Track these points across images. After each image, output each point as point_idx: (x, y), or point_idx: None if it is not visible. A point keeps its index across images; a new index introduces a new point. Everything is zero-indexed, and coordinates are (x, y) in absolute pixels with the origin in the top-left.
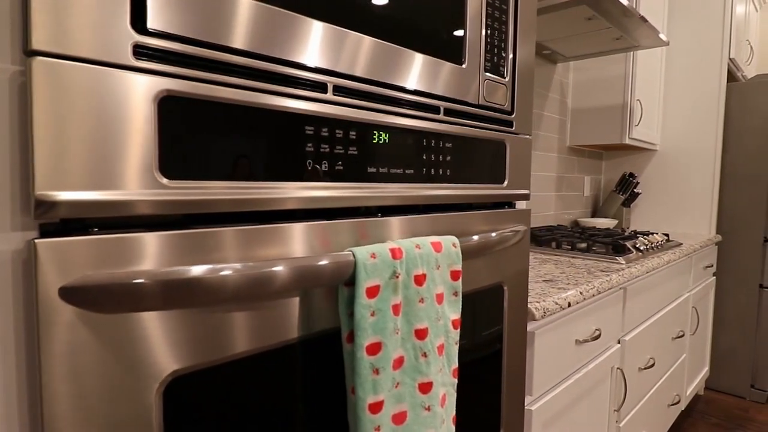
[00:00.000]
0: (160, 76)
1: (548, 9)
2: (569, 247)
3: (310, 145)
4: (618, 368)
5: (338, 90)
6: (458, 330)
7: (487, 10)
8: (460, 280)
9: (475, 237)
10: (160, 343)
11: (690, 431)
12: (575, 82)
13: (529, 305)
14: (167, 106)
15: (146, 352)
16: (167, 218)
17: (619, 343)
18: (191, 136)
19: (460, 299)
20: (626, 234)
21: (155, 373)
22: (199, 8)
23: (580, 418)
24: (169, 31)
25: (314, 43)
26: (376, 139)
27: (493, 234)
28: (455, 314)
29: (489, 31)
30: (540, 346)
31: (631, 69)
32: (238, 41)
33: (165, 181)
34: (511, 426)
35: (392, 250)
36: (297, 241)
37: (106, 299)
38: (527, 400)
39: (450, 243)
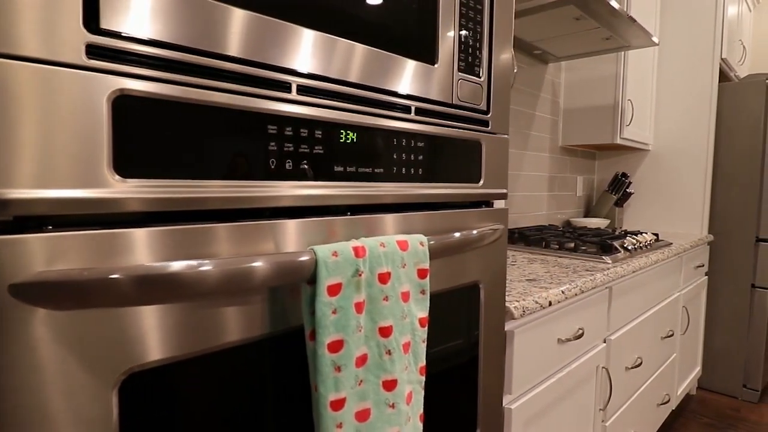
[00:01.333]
0: (114, 75)
1: (536, 9)
2: (557, 246)
3: (273, 144)
4: (603, 367)
5: (302, 90)
6: (425, 328)
7: (460, 10)
8: (428, 278)
9: (445, 236)
10: (117, 340)
11: (681, 431)
12: (567, 82)
13: (508, 304)
14: (121, 105)
15: (102, 349)
16: (122, 216)
17: (605, 342)
18: (146, 135)
19: (428, 297)
20: (615, 234)
21: (111, 370)
22: (154, 8)
23: (564, 417)
24: (123, 32)
25: (278, 43)
26: (344, 138)
27: (465, 233)
28: (422, 312)
29: (463, 31)
30: (520, 344)
31: (622, 69)
32: (195, 41)
33: (119, 179)
34: (489, 425)
35: (355, 249)
36: (261, 239)
37: (57, 296)
38: (507, 398)
39: (417, 241)
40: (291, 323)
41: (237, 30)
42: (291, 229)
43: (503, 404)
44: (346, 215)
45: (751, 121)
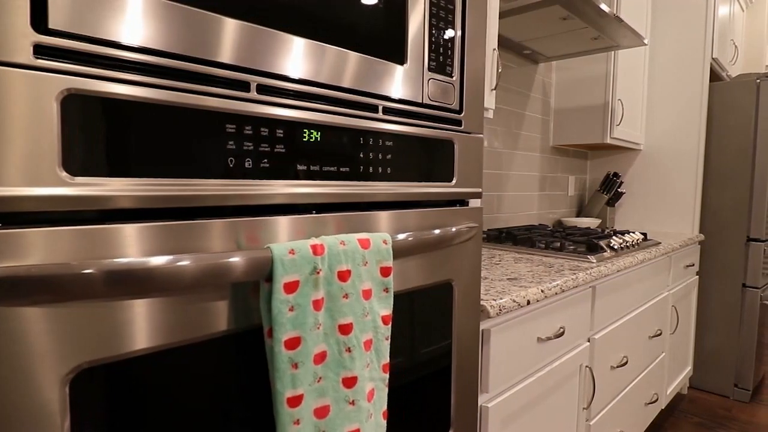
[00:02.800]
0: (62, 75)
1: (522, 9)
2: (543, 246)
3: (231, 143)
4: (587, 366)
5: (262, 89)
6: (389, 326)
7: (430, 9)
8: (391, 276)
9: (410, 234)
10: (69, 336)
11: (672, 430)
12: (558, 81)
13: (484, 303)
14: (70, 104)
15: (51, 345)
16: (73, 214)
17: (588, 341)
18: (95, 133)
19: (392, 295)
20: (603, 233)
21: (60, 366)
22: (107, 7)
23: (546, 416)
24: (72, 31)
25: (237, 43)
26: (307, 138)
27: (433, 231)
28: (385, 310)
29: (433, 31)
30: (497, 343)
31: (612, 69)
32: (149, 41)
33: (67, 177)
34: (463, 423)
35: (313, 247)
36: (219, 238)
37: (3, 293)
38: (484, 397)
39: (380, 240)
40: (254, 321)
41: (195, 29)
42: (252, 227)
43: (480, 403)
44: (311, 213)
45: (742, 121)
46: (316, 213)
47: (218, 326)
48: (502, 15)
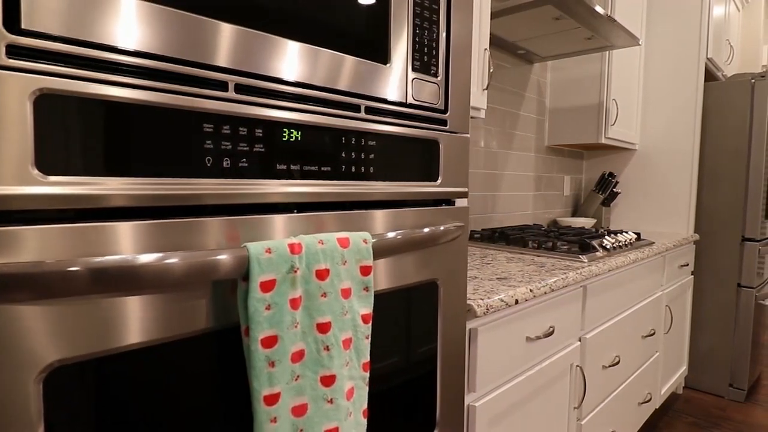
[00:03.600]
0: (36, 74)
1: (514, 9)
2: (536, 245)
3: (209, 142)
4: (577, 366)
5: (241, 89)
6: (369, 324)
7: (414, 10)
8: (371, 275)
9: (392, 233)
10: (43, 333)
11: (666, 430)
12: (553, 81)
13: (471, 302)
14: (43, 103)
15: (25, 342)
16: (49, 213)
17: (579, 340)
18: (69, 133)
19: (372, 294)
20: (596, 233)
21: (35, 363)
22: (81, 8)
23: (536, 415)
24: (45, 31)
25: (215, 43)
26: (286, 137)
27: (415, 231)
28: (366, 309)
29: (417, 31)
30: (485, 342)
31: (606, 69)
32: (124, 40)
33: (40, 176)
34: (450, 422)
35: (291, 246)
36: (201, 236)
37: None
38: (471, 396)
39: (360, 239)
40: (233, 319)
41: (172, 29)
42: (231, 226)
43: (468, 402)
44: (292, 213)
45: (736, 121)
46: (297, 212)
47: (197, 324)
48: (495, 15)
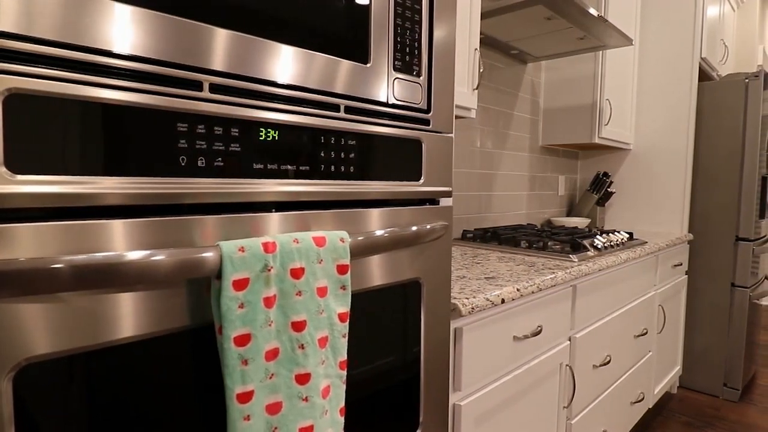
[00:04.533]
0: (4, 75)
1: (505, 9)
2: (527, 245)
3: (183, 141)
4: (567, 365)
5: (215, 88)
6: (346, 323)
7: (395, 9)
8: (348, 274)
9: (371, 233)
10: (11, 331)
11: (660, 430)
12: (547, 81)
13: (456, 301)
14: (12, 103)
15: None
16: (18, 212)
17: (569, 340)
18: (39, 132)
19: (349, 293)
20: (588, 232)
21: (4, 360)
22: (51, 6)
23: (524, 414)
24: (13, 31)
25: (189, 42)
26: (263, 137)
27: (395, 230)
28: (343, 308)
29: (399, 31)
30: (470, 341)
31: (600, 69)
32: (97, 40)
33: (7, 174)
34: (433, 421)
35: (265, 244)
36: (177, 236)
37: None
38: (457, 396)
39: (337, 238)
40: (209, 317)
41: (146, 29)
42: (208, 225)
43: (454, 401)
44: (271, 212)
45: (730, 121)
46: (275, 211)
47: (173, 323)
48: (486, 15)
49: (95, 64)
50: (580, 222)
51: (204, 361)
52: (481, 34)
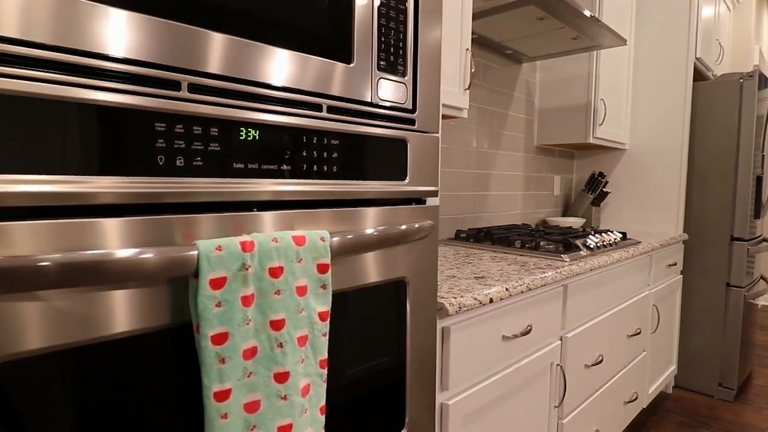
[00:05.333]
0: None
1: (498, 9)
2: (519, 245)
3: (161, 141)
4: (558, 364)
5: (194, 88)
6: (326, 322)
7: (380, 10)
8: (329, 273)
9: (352, 232)
10: None
11: (654, 429)
12: (542, 81)
13: (443, 301)
14: None
15: None
16: None
17: (561, 339)
18: (7, 131)
19: (330, 292)
20: (581, 232)
21: None
22: (21, 7)
23: (514, 414)
24: None
25: (169, 43)
26: (244, 136)
27: (378, 230)
28: (323, 306)
29: (383, 31)
30: (458, 341)
31: (594, 69)
32: (68, 41)
33: None
34: (420, 419)
35: (243, 243)
36: (157, 235)
37: None
38: (445, 395)
39: (317, 237)
40: (189, 316)
41: (124, 29)
42: (189, 224)
43: (441, 400)
44: (252, 211)
45: (725, 121)
46: (257, 210)
47: (154, 321)
48: (479, 15)
49: (71, 64)
50: (575, 222)
51: (185, 360)
52: (474, 34)
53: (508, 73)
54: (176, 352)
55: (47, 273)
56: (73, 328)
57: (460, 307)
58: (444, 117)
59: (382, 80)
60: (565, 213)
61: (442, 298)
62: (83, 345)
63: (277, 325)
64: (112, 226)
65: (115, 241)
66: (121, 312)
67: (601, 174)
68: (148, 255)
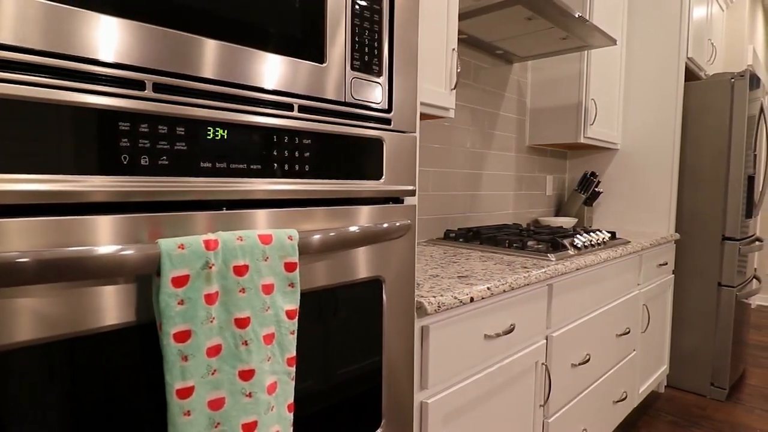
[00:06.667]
0: None
1: (485, 9)
2: (507, 244)
3: (125, 140)
4: (543, 363)
5: (159, 88)
6: (294, 320)
7: (354, 10)
8: (297, 271)
9: (322, 231)
10: None
11: (645, 429)
12: (533, 81)
13: (423, 300)
14: None
15: None
16: None
17: (546, 339)
18: None
19: (298, 290)
20: (569, 232)
21: None
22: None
23: (497, 413)
24: None
25: (132, 43)
26: (211, 136)
27: (350, 229)
28: (290, 305)
29: (357, 31)
30: (437, 340)
31: (585, 69)
32: (32, 41)
33: None
34: (396, 419)
35: (206, 242)
36: (124, 234)
37: None
38: (424, 394)
39: (285, 236)
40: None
41: (89, 30)
42: (156, 223)
43: (420, 399)
44: (221, 210)
45: (717, 120)
46: (226, 210)
47: (122, 318)
48: (466, 15)
49: (30, 64)
50: (566, 222)
51: (153, 357)
52: (464, 34)
53: (499, 73)
54: (144, 350)
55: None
56: (39, 325)
57: (439, 306)
58: (431, 117)
59: (356, 80)
60: (558, 213)
61: (422, 297)
62: (50, 342)
63: (241, 323)
64: (78, 225)
65: (82, 239)
66: (88, 310)
67: (593, 174)
68: (109, 253)
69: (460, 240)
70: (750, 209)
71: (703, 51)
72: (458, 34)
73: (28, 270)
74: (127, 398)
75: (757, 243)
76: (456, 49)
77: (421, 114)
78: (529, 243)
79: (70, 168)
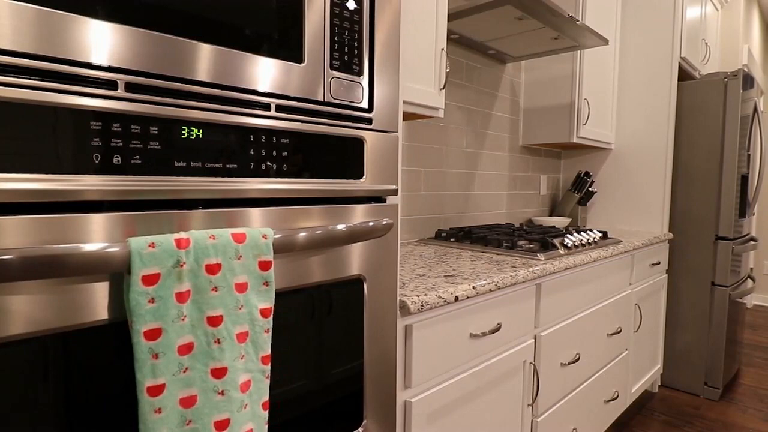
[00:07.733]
0: None
1: (475, 9)
2: (497, 244)
3: (97, 140)
4: (531, 363)
5: (132, 87)
6: (269, 318)
7: (332, 10)
8: (271, 270)
9: (297, 230)
10: None
11: (638, 428)
12: (527, 81)
13: (406, 299)
14: None
15: None
16: None
17: (534, 338)
18: None
19: (272, 289)
20: (560, 231)
21: None
22: None
23: (484, 412)
24: None
25: (105, 43)
26: (186, 135)
27: (327, 228)
28: (265, 303)
29: (336, 30)
30: (421, 339)
31: (578, 68)
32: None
33: None
34: (378, 418)
35: (177, 240)
36: (100, 233)
37: None
38: (408, 393)
39: (259, 234)
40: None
41: (61, 29)
42: (132, 222)
43: (404, 398)
44: (197, 209)
45: (710, 120)
46: (202, 209)
47: (92, 316)
48: (456, 15)
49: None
50: (559, 221)
51: (126, 355)
52: (456, 34)
53: (492, 73)
54: (119, 348)
55: None
56: (12, 322)
57: (423, 305)
58: (420, 117)
59: (335, 79)
60: (552, 213)
61: (406, 296)
62: (22, 339)
63: (214, 321)
64: (56, 223)
65: (58, 238)
66: (60, 308)
67: (587, 174)
68: (78, 252)
69: (451, 239)
70: (744, 209)
71: (697, 51)
72: (449, 34)
73: None
74: (101, 396)
75: (751, 242)
76: (445, 49)
77: (411, 114)
78: (520, 242)
79: (68, 167)
